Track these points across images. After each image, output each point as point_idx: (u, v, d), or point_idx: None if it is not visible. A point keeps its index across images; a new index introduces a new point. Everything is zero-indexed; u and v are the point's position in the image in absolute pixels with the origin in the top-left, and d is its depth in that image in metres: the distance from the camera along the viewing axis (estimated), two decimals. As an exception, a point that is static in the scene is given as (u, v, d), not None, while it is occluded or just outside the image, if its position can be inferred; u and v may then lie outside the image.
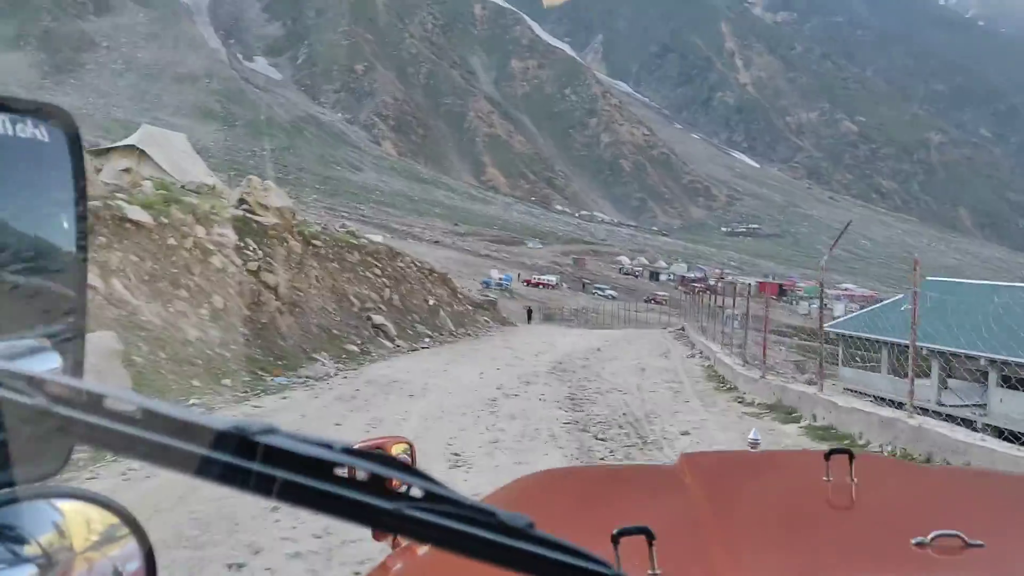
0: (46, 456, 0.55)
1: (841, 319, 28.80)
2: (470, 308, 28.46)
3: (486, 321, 28.95)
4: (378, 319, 14.99)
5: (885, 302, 29.98)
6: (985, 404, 22.70)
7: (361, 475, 0.46)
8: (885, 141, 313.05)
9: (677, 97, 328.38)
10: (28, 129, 0.66)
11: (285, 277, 11.77)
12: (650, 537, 0.98)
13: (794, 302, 78.01)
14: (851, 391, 19.80)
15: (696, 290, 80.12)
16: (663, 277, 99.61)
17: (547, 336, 28.43)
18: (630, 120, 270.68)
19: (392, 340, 14.99)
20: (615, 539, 0.96)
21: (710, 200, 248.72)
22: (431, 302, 21.53)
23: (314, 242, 14.80)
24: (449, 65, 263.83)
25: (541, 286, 72.63)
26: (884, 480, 1.74)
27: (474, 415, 9.48)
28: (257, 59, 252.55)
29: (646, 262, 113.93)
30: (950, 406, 23.45)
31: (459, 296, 28.11)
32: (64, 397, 0.50)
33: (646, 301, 63.06)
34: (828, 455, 1.54)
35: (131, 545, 0.65)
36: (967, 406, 23.34)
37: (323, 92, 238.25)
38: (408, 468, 0.48)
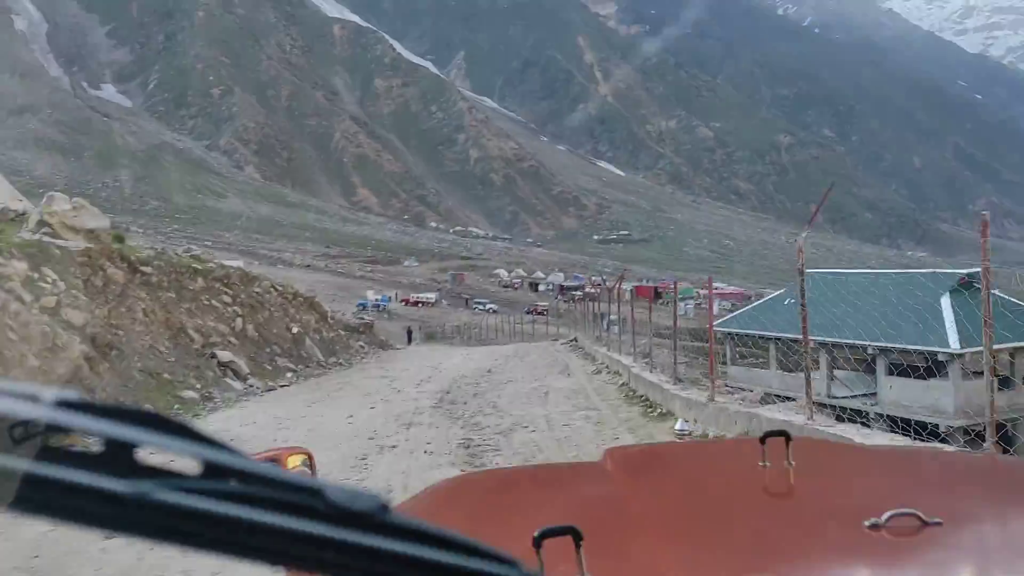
0: None
1: (725, 318, 28.47)
2: (343, 333, 26.37)
3: (361, 347, 26.84)
4: (225, 355, 12.86)
5: (767, 298, 29.88)
6: (875, 393, 22.66)
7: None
8: (739, 145, 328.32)
9: (542, 110, 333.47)
10: None
11: (99, 313, 9.64)
12: (577, 537, 0.92)
13: (670, 303, 79.05)
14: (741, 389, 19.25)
15: (576, 298, 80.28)
16: (542, 288, 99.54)
17: (430, 358, 26.20)
18: (498, 134, 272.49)
19: (243, 379, 12.97)
20: (537, 541, 0.89)
21: (580, 210, 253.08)
22: (295, 330, 19.42)
23: (143, 269, 12.56)
24: (311, 86, 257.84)
25: (420, 305, 70.76)
26: (825, 462, 1.70)
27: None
28: (104, 86, 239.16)
29: (524, 274, 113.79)
30: (841, 398, 23.28)
31: (330, 321, 25.95)
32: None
33: (528, 312, 62.16)
34: (763, 439, 1.49)
35: None
36: (857, 396, 23.20)
37: (178, 118, 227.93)
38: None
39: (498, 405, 12.45)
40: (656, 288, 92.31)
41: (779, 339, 21.72)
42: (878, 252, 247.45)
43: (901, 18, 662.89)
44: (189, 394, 11.40)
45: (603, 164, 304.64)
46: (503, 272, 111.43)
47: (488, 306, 74.92)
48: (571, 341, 30.31)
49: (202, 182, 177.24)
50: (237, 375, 12.86)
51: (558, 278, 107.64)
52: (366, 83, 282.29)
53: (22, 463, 0.38)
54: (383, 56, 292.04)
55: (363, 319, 31.60)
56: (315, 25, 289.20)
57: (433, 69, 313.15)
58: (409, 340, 44.76)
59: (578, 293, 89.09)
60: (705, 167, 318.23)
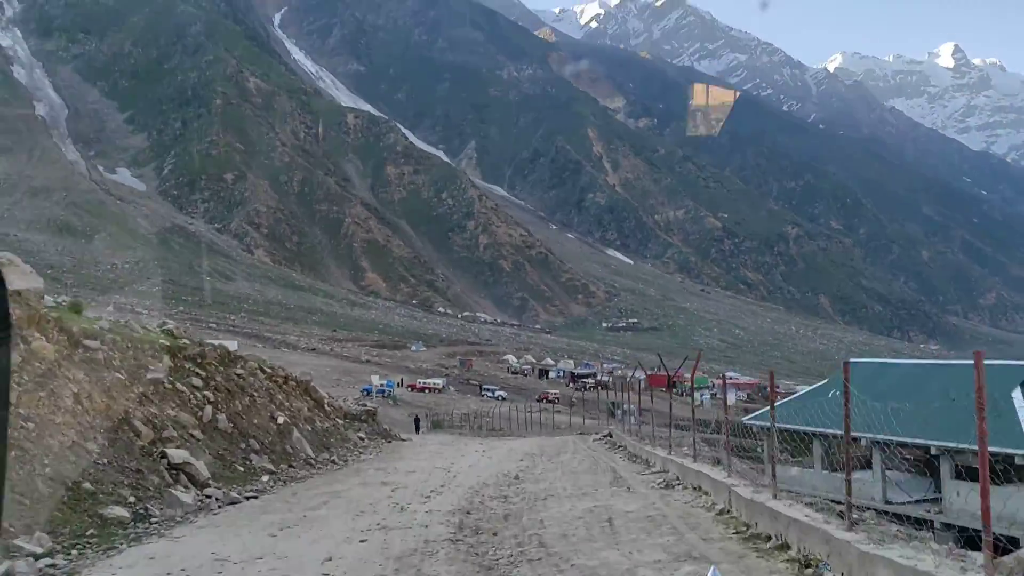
0: None
1: (758, 411, 25.82)
2: (341, 423, 23.50)
3: (361, 439, 23.74)
4: (179, 455, 10.19)
5: (809, 388, 27.29)
6: (938, 498, 19.81)
7: None
8: (747, 235, 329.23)
9: (551, 199, 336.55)
10: None
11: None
12: None
13: (683, 393, 76.27)
14: (785, 491, 16.60)
15: (587, 387, 77.47)
16: (552, 374, 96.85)
17: (440, 455, 22.76)
18: (507, 222, 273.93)
19: (201, 486, 10.40)
20: None
21: (589, 297, 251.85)
22: (281, 420, 16.61)
23: (87, 343, 10.23)
24: (324, 172, 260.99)
25: (427, 391, 68.09)
26: None
27: None
28: (120, 170, 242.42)
29: (533, 360, 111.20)
30: (899, 503, 20.42)
31: (326, 408, 23.02)
32: None
33: (538, 400, 59.58)
34: None
35: None
36: (918, 502, 20.31)
37: (191, 202, 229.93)
38: None
39: (545, 541, 8.60)
40: (670, 377, 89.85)
41: (825, 435, 19.07)
42: (889, 344, 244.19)
43: (904, 116, 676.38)
44: (115, 511, 8.37)
45: (612, 252, 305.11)
46: (512, 358, 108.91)
47: (497, 393, 72.29)
48: (605, 436, 27.06)
49: (211, 265, 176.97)
50: (193, 481, 10.00)
51: (568, 365, 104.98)
52: (378, 170, 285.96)
53: None
54: (395, 144, 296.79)
55: (366, 406, 28.92)
56: (329, 114, 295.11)
57: (444, 158, 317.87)
58: (417, 429, 42.22)
59: (590, 381, 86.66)
60: (713, 256, 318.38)
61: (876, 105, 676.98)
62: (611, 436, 26.27)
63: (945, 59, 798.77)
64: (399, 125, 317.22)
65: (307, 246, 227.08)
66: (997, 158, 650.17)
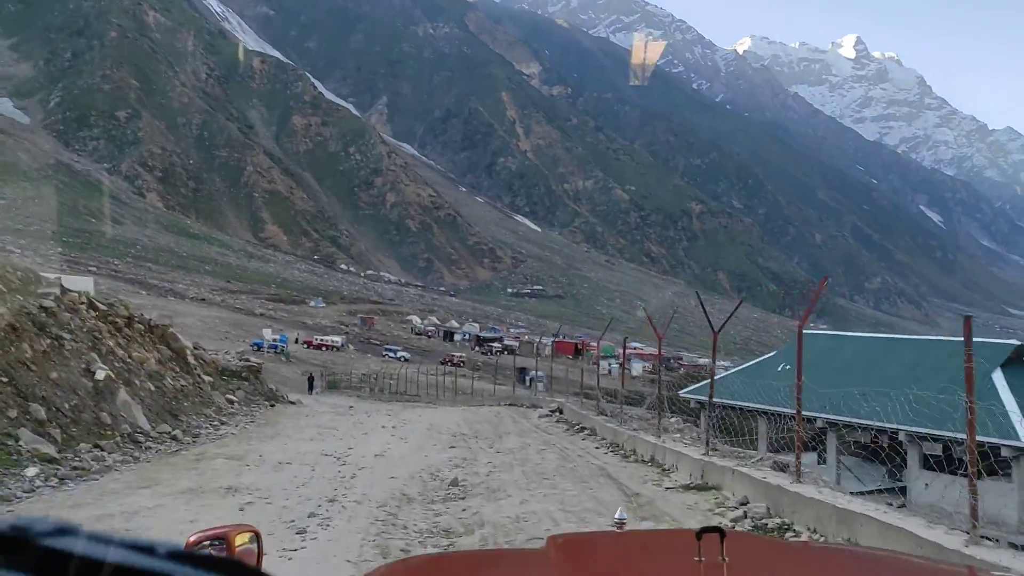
0: None
1: (696, 385, 23.65)
2: (207, 380, 18.64)
3: (231, 401, 18.53)
4: None
5: (756, 360, 25.59)
6: (902, 488, 18.24)
7: None
8: (653, 209, 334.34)
9: (461, 161, 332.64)
10: None
11: None
12: None
13: (590, 361, 75.99)
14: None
15: (494, 351, 76.09)
16: (457, 337, 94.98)
17: (332, 431, 17.67)
18: (416, 181, 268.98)
19: None
20: None
21: (495, 262, 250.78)
22: (100, 376, 12.05)
23: None
24: (225, 117, 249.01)
25: (325, 348, 65.13)
26: (756, 559, 1.68)
27: None
28: (1, 100, 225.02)
29: (438, 322, 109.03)
30: (857, 493, 19.01)
31: (189, 361, 18.07)
32: None
33: (442, 363, 57.71)
34: (699, 534, 1.46)
35: None
36: (879, 491, 18.94)
37: (78, 139, 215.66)
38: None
39: None
40: (576, 345, 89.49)
41: (770, 413, 17.24)
42: (781, 322, 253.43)
43: (806, 102, 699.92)
44: None
45: (520, 218, 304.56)
46: (416, 319, 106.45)
47: (400, 353, 69.91)
48: (554, 412, 21.48)
49: (97, 207, 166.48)
50: None
51: (473, 328, 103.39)
52: (283, 119, 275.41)
53: None
54: (303, 94, 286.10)
55: (249, 361, 24.91)
56: (234, 57, 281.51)
57: (354, 111, 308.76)
58: (311, 388, 39.68)
59: (496, 345, 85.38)
60: (619, 228, 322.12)
61: (780, 90, 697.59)
62: (561, 412, 21.15)
63: (847, 50, 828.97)
64: (308, 74, 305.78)
65: (204, 193, 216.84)
66: (888, 149, 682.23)
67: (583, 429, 17.70)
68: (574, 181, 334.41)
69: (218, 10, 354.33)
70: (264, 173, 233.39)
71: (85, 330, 12.00)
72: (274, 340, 55.10)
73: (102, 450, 11.09)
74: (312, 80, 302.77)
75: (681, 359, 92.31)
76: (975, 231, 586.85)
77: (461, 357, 66.94)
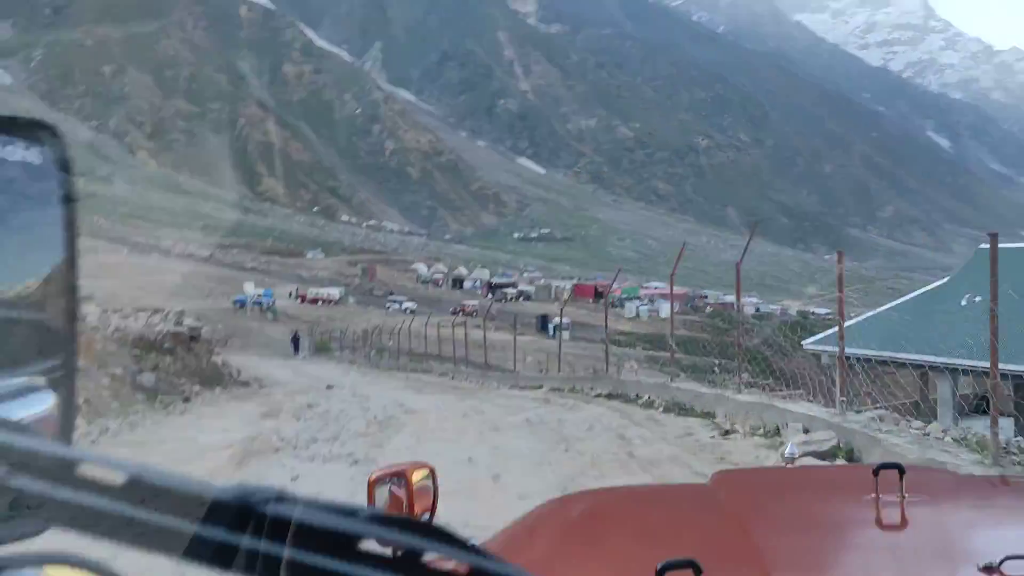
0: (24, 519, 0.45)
1: (826, 333, 15.54)
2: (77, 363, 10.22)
3: (130, 394, 11.66)
4: None
5: (913, 295, 17.80)
6: None
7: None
8: (658, 146, 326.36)
9: (460, 105, 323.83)
10: (18, 151, 0.60)
11: None
12: (697, 571, 0.88)
13: (614, 304, 70.64)
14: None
15: (508, 297, 70.20)
16: (468, 284, 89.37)
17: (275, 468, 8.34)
18: (415, 127, 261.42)
19: None
20: (660, 574, 0.86)
21: (500, 207, 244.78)
22: None
23: None
24: (214, 69, 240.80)
25: (320, 302, 59.31)
26: (940, 497, 1.59)
27: None
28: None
29: (445, 269, 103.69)
30: None
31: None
32: (28, 463, 0.42)
33: (453, 313, 52.17)
34: (876, 470, 1.42)
35: None
36: None
37: (64, 97, 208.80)
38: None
39: None
40: (596, 287, 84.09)
41: (950, 367, 11.24)
42: (795, 256, 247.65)
43: (809, 31, 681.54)
44: None
45: (523, 161, 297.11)
46: (422, 267, 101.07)
47: (405, 304, 64.17)
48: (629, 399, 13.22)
49: (85, 165, 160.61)
50: None
51: (483, 275, 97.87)
52: (274, 69, 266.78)
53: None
54: (294, 42, 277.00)
55: (181, 326, 16.96)
56: (220, 5, 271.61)
57: (347, 58, 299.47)
58: (296, 350, 34.37)
59: (511, 291, 79.81)
60: (625, 167, 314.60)
61: (783, 19, 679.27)
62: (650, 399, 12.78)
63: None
64: (297, 21, 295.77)
65: (196, 148, 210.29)
66: (894, 75, 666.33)
67: (700, 446, 9.11)
68: (577, 121, 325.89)
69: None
70: (257, 125, 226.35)
71: None
72: (258, 296, 48.89)
73: None
74: (301, 27, 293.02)
75: (706, 296, 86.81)
76: (984, 155, 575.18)
77: (474, 305, 61.52)
